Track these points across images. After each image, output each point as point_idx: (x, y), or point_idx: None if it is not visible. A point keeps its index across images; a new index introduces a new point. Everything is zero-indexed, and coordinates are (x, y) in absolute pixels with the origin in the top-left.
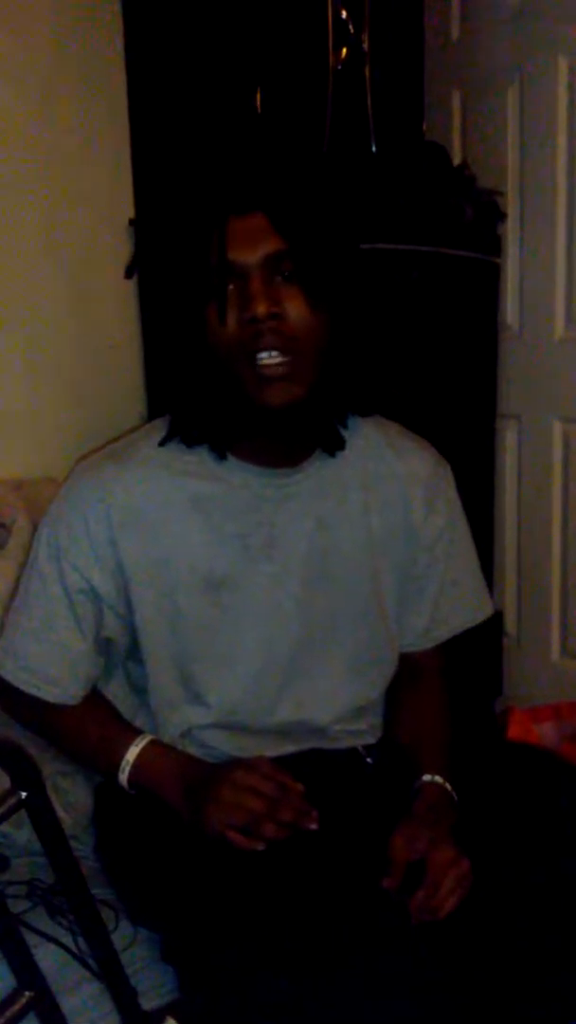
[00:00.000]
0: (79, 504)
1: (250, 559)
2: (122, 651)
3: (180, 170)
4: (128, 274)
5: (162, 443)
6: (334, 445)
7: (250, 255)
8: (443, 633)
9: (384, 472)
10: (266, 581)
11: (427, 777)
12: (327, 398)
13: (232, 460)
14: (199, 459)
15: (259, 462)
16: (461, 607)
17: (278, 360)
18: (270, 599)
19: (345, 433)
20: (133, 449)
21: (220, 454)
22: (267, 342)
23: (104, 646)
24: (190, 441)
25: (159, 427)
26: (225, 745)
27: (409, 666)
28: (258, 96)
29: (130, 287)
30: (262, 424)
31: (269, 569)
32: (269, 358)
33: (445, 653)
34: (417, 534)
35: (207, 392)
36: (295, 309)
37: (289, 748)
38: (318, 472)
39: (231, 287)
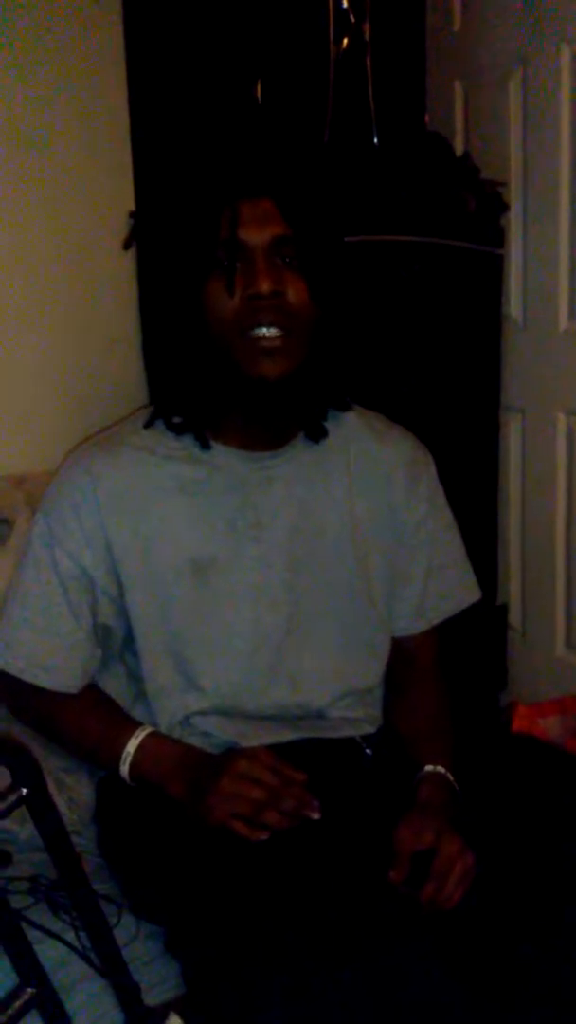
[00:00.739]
0: (69, 491)
1: (236, 541)
2: (120, 641)
3: (181, 162)
4: (126, 246)
5: (146, 425)
6: (317, 433)
7: (258, 236)
8: (434, 616)
9: (366, 455)
10: (253, 563)
11: (429, 767)
12: (312, 382)
13: (216, 445)
14: (183, 444)
15: (242, 445)
16: (449, 590)
17: (276, 334)
18: (257, 581)
19: (328, 420)
20: (119, 436)
21: (203, 443)
22: (267, 317)
23: (102, 635)
24: (174, 428)
25: (143, 415)
26: (224, 732)
27: (404, 655)
28: (258, 86)
29: (130, 282)
30: (251, 398)
31: (255, 551)
32: (268, 332)
33: (440, 642)
34: (400, 517)
35: (197, 368)
36: (295, 291)
37: (288, 735)
38: (300, 456)
39: (238, 265)
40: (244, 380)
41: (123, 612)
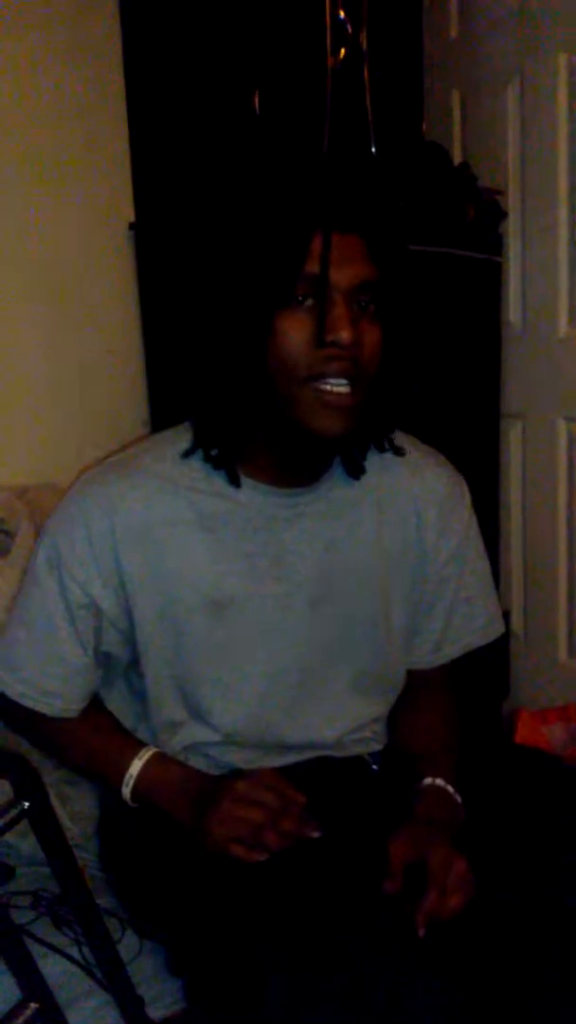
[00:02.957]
0: (83, 517)
1: (256, 579)
2: (123, 665)
3: (180, 173)
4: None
5: (185, 455)
6: (356, 470)
7: (346, 276)
8: (453, 651)
9: (398, 489)
10: (272, 602)
11: (428, 780)
12: (362, 427)
13: (244, 479)
14: (207, 476)
15: (272, 482)
16: (472, 626)
17: (345, 389)
18: (276, 620)
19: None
20: (139, 462)
21: (235, 482)
22: (341, 369)
23: (104, 659)
24: (211, 459)
25: (168, 440)
26: (230, 757)
27: (417, 680)
28: (256, 97)
29: (131, 294)
30: (300, 448)
31: (276, 590)
32: (337, 386)
33: (453, 664)
34: (428, 554)
35: (244, 407)
36: (370, 343)
37: (294, 759)
38: (330, 492)
39: (310, 303)
40: (300, 431)
41: (130, 642)
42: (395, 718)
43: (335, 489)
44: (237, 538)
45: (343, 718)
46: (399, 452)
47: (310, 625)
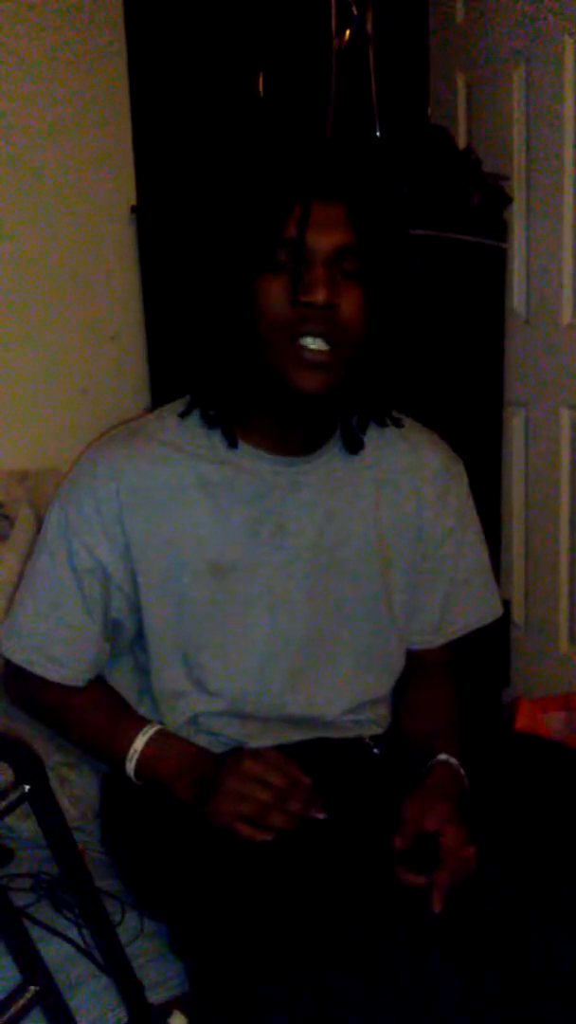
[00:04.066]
0: (90, 482)
1: (258, 546)
2: (130, 636)
3: (182, 156)
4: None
5: (182, 414)
6: (355, 445)
7: (325, 241)
8: (453, 632)
9: (397, 467)
10: (273, 570)
11: (441, 756)
12: (356, 396)
13: (244, 445)
14: (210, 443)
15: (271, 449)
16: (471, 607)
17: (322, 347)
18: (277, 588)
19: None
20: (146, 430)
21: (231, 441)
22: (317, 328)
23: (112, 630)
24: (208, 419)
25: (173, 409)
26: (231, 732)
27: (417, 662)
28: (260, 79)
29: (133, 277)
30: (287, 407)
31: (277, 557)
32: (314, 344)
33: (453, 647)
34: (426, 531)
35: (235, 364)
36: (349, 305)
37: (295, 736)
38: (330, 464)
39: (296, 268)
40: (283, 388)
41: (136, 609)
42: (398, 699)
43: (334, 462)
44: (239, 504)
45: (344, 693)
46: (398, 424)
47: (311, 593)
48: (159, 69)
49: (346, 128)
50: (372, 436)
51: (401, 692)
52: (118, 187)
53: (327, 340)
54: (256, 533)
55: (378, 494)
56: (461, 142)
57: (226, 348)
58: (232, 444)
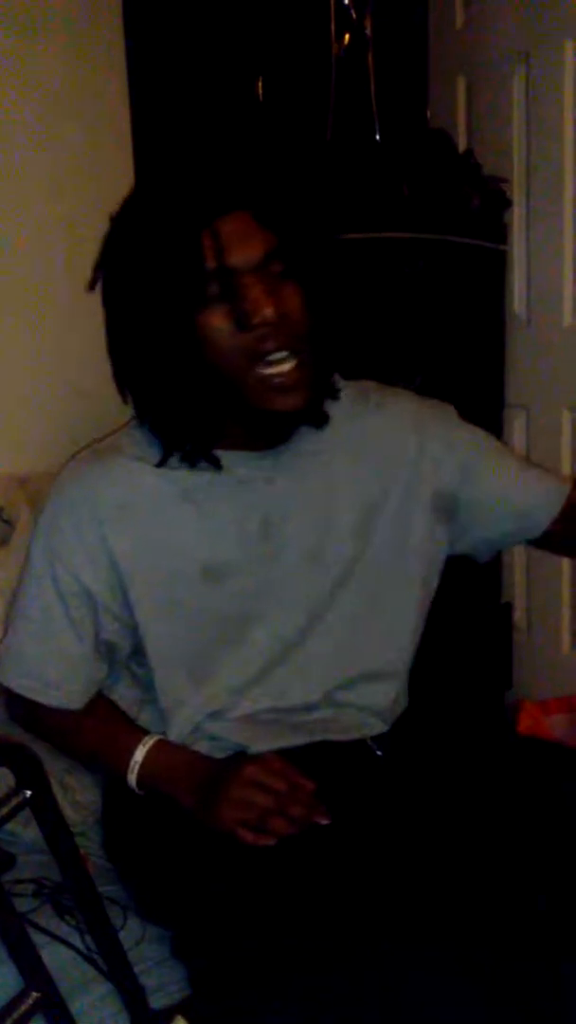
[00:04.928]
0: (67, 505)
1: (247, 542)
2: (125, 654)
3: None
4: (91, 286)
5: (160, 464)
6: (320, 420)
7: (245, 257)
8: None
9: (368, 433)
10: (266, 563)
11: None
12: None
13: (216, 450)
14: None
15: (243, 447)
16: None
17: (289, 364)
18: (273, 579)
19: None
20: (115, 446)
21: (216, 464)
22: (276, 344)
23: (105, 651)
24: (188, 458)
25: (139, 425)
26: (233, 736)
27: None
28: (260, 84)
29: None
30: (265, 428)
31: (267, 550)
32: (279, 363)
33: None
34: (435, 476)
35: (194, 401)
36: (294, 307)
37: (297, 740)
38: (302, 447)
39: (227, 291)
40: (262, 413)
41: (131, 628)
42: None
43: (305, 445)
44: (222, 505)
45: (342, 662)
46: (334, 396)
47: (307, 580)
48: (158, 74)
49: (346, 132)
50: (336, 410)
51: None
52: (117, 190)
53: (290, 352)
54: (243, 531)
55: (355, 465)
56: (461, 145)
57: (180, 388)
58: (217, 466)
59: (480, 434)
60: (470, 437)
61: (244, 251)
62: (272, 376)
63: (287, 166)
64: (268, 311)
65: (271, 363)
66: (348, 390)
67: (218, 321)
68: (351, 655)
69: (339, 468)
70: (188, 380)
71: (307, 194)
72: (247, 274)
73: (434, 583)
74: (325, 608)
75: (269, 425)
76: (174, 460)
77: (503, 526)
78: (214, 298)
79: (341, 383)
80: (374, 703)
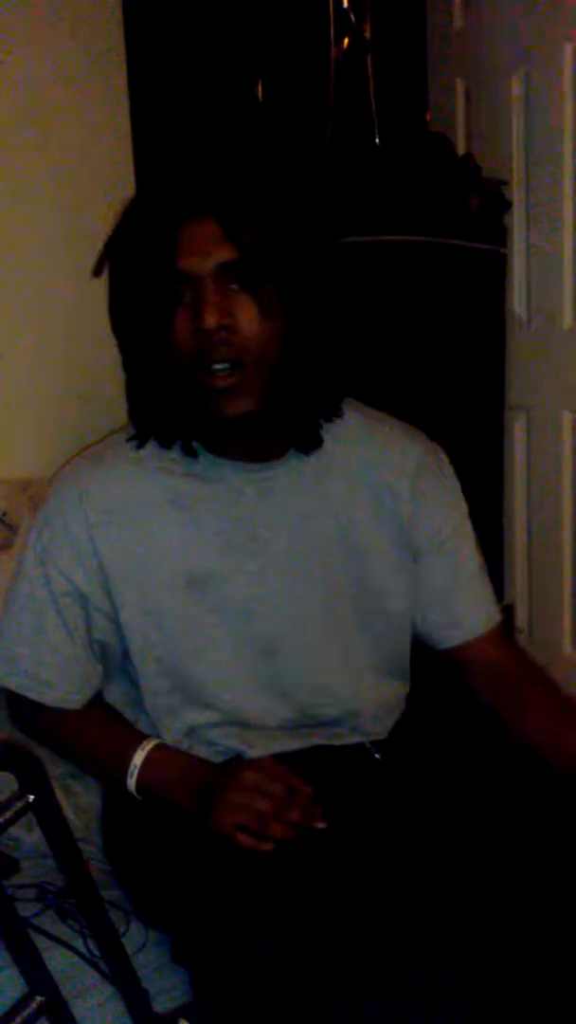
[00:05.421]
0: (59, 507)
1: (232, 556)
2: (119, 655)
3: (138, 189)
4: (96, 272)
5: (139, 446)
6: (308, 444)
7: (201, 263)
8: (471, 627)
9: (368, 463)
10: (250, 577)
11: None
12: (288, 404)
13: (209, 456)
14: (175, 456)
15: (237, 457)
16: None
17: (229, 372)
18: (254, 594)
19: (326, 426)
20: (108, 450)
21: (191, 453)
22: (218, 354)
23: (100, 652)
24: (163, 441)
25: (132, 428)
26: (231, 741)
27: (487, 669)
28: (259, 88)
29: None
30: (219, 431)
31: (252, 565)
32: (221, 369)
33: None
34: (407, 526)
35: (172, 398)
36: (247, 319)
37: (295, 744)
38: (298, 467)
39: (188, 295)
40: (208, 415)
41: (119, 628)
42: (504, 720)
43: (301, 464)
44: (210, 516)
45: (339, 696)
46: (338, 415)
47: (291, 598)
48: (158, 77)
49: (345, 135)
50: (341, 434)
51: (502, 710)
52: (118, 194)
53: (230, 363)
54: (229, 543)
55: (351, 493)
56: (460, 148)
57: (156, 381)
58: (192, 455)
59: (462, 509)
60: (451, 510)
61: (200, 257)
62: (210, 379)
63: (266, 179)
64: (211, 319)
65: (214, 372)
66: (360, 417)
67: (178, 321)
68: (330, 676)
69: (334, 491)
70: (156, 372)
71: (276, 208)
72: (202, 280)
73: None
74: (312, 633)
75: (222, 430)
76: (167, 462)
77: (429, 614)
78: (165, 302)
79: (351, 405)
80: (369, 720)
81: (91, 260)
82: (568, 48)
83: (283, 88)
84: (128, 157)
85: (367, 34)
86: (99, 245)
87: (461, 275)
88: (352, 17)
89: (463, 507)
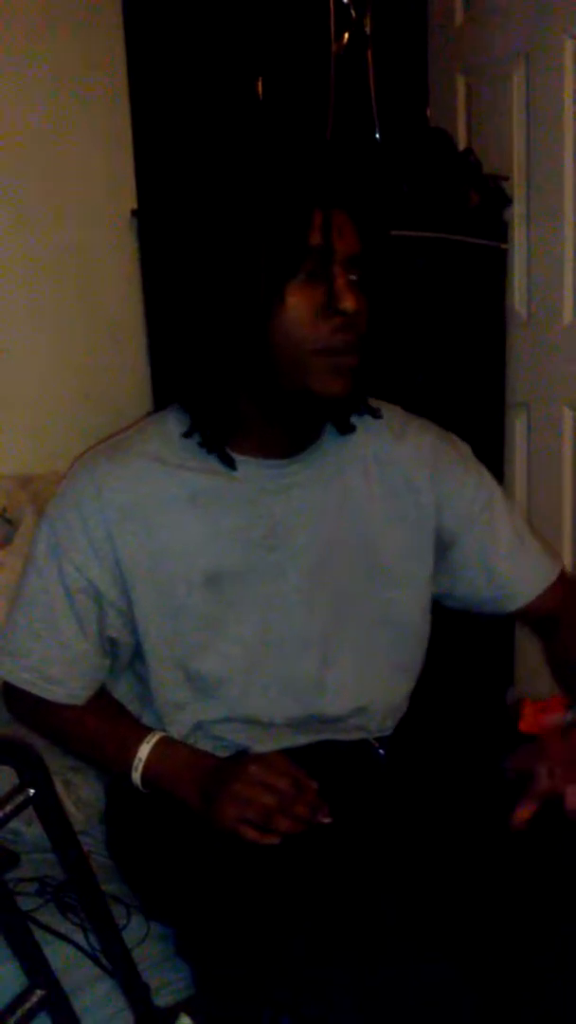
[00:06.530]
0: (75, 501)
1: (251, 552)
2: (129, 652)
3: (182, 160)
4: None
5: (185, 435)
6: (347, 428)
7: (343, 249)
8: (526, 593)
9: (385, 456)
10: (268, 574)
11: None
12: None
13: (232, 454)
14: (195, 453)
15: (259, 454)
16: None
17: (351, 354)
18: (273, 591)
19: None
20: (128, 444)
21: (229, 463)
22: (348, 337)
23: (109, 647)
24: (206, 444)
25: (156, 421)
26: (237, 736)
27: (539, 619)
28: (260, 84)
29: (134, 282)
30: (303, 414)
31: (271, 561)
32: (347, 350)
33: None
34: (438, 514)
35: (242, 382)
36: (364, 310)
37: (301, 739)
38: (317, 461)
39: (312, 276)
40: (308, 397)
41: (131, 625)
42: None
43: (323, 458)
44: (229, 512)
45: (349, 695)
46: (375, 414)
47: (307, 595)
48: (158, 73)
49: (346, 131)
50: (358, 429)
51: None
52: (118, 191)
53: (354, 347)
54: (248, 539)
55: (369, 485)
56: (461, 143)
57: (237, 365)
58: (229, 465)
59: (490, 485)
60: (479, 487)
61: (343, 243)
62: (335, 359)
63: (386, 184)
64: (350, 303)
65: (336, 352)
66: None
67: (303, 297)
68: (358, 687)
69: (353, 485)
70: (248, 351)
71: (380, 215)
72: (339, 264)
73: (428, 609)
74: (327, 630)
75: (300, 415)
76: (186, 458)
77: (479, 591)
78: (306, 275)
79: (388, 409)
80: (378, 717)
81: (95, 261)
82: (569, 43)
83: (283, 84)
84: (129, 158)
85: (367, 29)
86: (102, 248)
87: (461, 271)
88: (352, 12)
89: (490, 482)
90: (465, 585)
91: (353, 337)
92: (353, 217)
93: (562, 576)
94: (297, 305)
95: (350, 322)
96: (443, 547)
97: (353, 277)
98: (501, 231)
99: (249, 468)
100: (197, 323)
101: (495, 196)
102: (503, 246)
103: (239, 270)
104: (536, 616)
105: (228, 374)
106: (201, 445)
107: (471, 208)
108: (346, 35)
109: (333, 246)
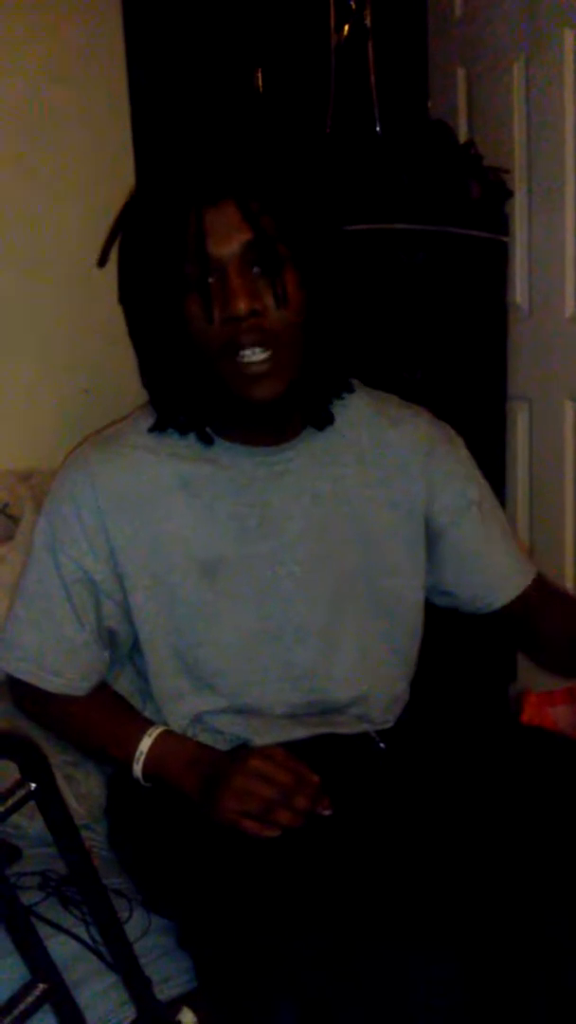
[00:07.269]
0: (69, 493)
1: (245, 540)
2: (128, 643)
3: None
4: (101, 262)
5: (151, 429)
6: (322, 421)
7: (225, 247)
8: (529, 569)
9: (379, 442)
10: (262, 561)
11: None
12: (311, 382)
13: (221, 441)
14: (187, 442)
15: (248, 441)
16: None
17: (261, 357)
18: (267, 578)
19: (336, 406)
20: (120, 435)
21: (206, 440)
22: (250, 339)
23: (108, 639)
24: (180, 428)
25: (146, 413)
26: (236, 729)
27: (516, 619)
28: (259, 75)
29: None
30: (247, 416)
31: (265, 549)
32: (252, 355)
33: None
34: (427, 503)
35: (190, 384)
36: (271, 303)
37: (301, 732)
38: (310, 447)
39: (211, 281)
40: (237, 400)
41: (128, 615)
42: (536, 650)
43: (313, 445)
44: (223, 500)
45: (349, 682)
46: (350, 389)
47: (303, 582)
48: (158, 66)
49: (346, 123)
50: (349, 415)
51: (537, 643)
52: (118, 185)
53: (263, 347)
54: (242, 527)
55: (364, 473)
56: (461, 136)
57: (173, 367)
58: (208, 442)
59: (479, 480)
60: (469, 479)
61: (224, 241)
62: (244, 365)
63: (285, 162)
64: (241, 306)
65: (245, 357)
66: (367, 398)
67: (196, 309)
68: (357, 674)
69: (346, 472)
70: (173, 359)
71: (301, 191)
72: (227, 265)
73: (422, 599)
74: (324, 616)
75: (250, 414)
76: (178, 447)
77: (470, 582)
78: (193, 285)
79: (357, 388)
80: (378, 708)
81: (93, 255)
82: (569, 35)
83: (283, 76)
84: (128, 151)
85: (367, 21)
86: (100, 240)
87: (462, 264)
88: (352, 4)
89: (480, 479)
90: (456, 577)
91: (256, 338)
92: (240, 205)
93: (538, 577)
94: (193, 315)
95: (249, 324)
96: (432, 537)
97: (257, 270)
98: (502, 224)
99: (239, 456)
100: (133, 330)
101: (496, 189)
102: (504, 239)
103: (141, 283)
104: (514, 616)
105: (174, 375)
106: (176, 428)
107: (472, 201)
108: (346, 27)
109: (205, 251)
